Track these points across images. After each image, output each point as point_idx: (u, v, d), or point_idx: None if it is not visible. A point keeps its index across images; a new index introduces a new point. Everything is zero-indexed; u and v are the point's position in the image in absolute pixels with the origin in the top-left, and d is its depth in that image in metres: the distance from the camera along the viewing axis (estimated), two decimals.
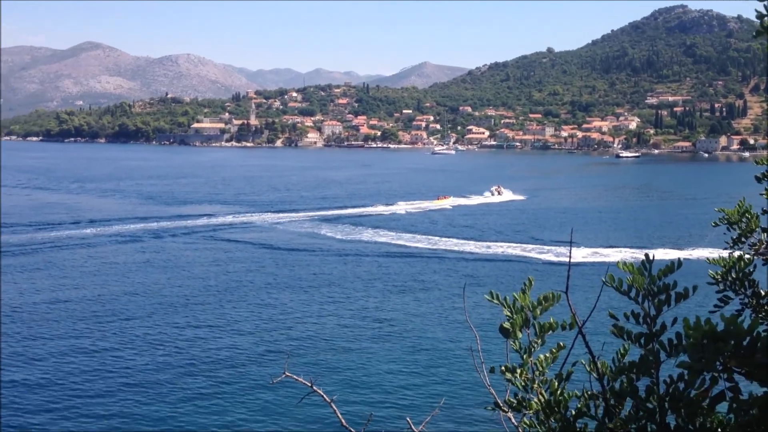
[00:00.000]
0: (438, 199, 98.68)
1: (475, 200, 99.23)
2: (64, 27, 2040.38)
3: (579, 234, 64.52)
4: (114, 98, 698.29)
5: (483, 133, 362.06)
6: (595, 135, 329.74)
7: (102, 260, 51.81)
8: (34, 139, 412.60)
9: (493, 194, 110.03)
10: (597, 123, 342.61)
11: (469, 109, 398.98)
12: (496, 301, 2.92)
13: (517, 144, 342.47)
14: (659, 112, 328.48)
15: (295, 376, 3.86)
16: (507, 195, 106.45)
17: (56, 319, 36.09)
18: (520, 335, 2.86)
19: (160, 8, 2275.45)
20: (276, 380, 4.19)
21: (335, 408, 3.51)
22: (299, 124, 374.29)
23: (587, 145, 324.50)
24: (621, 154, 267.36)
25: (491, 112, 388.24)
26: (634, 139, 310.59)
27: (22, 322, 35.28)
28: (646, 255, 2.50)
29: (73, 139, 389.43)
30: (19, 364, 29.43)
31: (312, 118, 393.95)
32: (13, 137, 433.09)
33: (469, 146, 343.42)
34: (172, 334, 33.64)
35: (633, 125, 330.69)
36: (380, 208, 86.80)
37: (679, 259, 2.43)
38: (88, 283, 44.02)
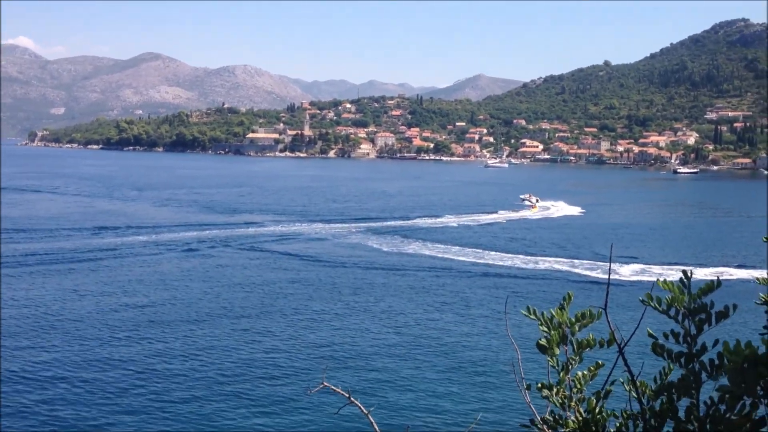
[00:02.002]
0: (530, 205, 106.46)
1: (526, 214, 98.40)
2: (126, 38, 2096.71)
3: (631, 250, 63.39)
4: (172, 108, 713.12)
5: (537, 146, 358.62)
6: (652, 150, 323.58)
7: (151, 268, 52.84)
8: (95, 147, 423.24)
9: (524, 202, 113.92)
10: (654, 138, 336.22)
11: (523, 122, 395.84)
12: (533, 316, 2.90)
13: (572, 158, 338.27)
14: (719, 127, 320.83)
15: (333, 387, 3.83)
16: (561, 208, 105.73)
17: (97, 325, 36.88)
18: (557, 352, 2.83)
19: (219, 20, 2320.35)
20: (314, 390, 4.12)
21: (372, 420, 3.51)
22: (352, 135, 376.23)
23: (644, 160, 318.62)
24: (678, 170, 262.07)
25: (545, 125, 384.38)
26: (693, 155, 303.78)
27: (66, 327, 36.14)
28: (684, 272, 2.47)
29: (131, 147, 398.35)
30: (64, 367, 30.12)
31: (365, 130, 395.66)
32: (74, 145, 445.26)
33: (523, 159, 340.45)
34: (212, 343, 34.08)
35: (691, 140, 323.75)
36: (430, 221, 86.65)
37: (718, 278, 2.42)
38: (136, 290, 44.92)
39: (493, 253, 62.40)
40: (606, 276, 52.05)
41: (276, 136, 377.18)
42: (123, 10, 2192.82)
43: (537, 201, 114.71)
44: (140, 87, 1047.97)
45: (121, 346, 33.05)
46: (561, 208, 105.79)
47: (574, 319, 2.85)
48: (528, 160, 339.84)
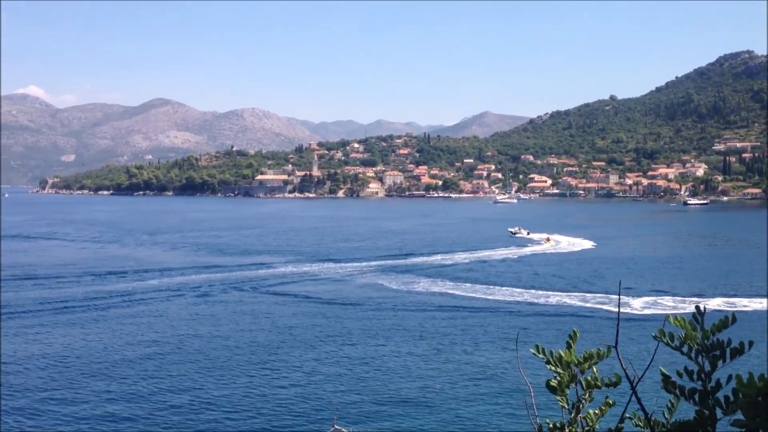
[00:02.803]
0: (546, 240, 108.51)
1: (536, 249, 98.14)
2: (135, 85, 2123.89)
3: (642, 283, 63.05)
4: (182, 152, 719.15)
5: (545, 181, 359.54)
6: (661, 182, 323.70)
7: (161, 312, 52.81)
8: (105, 192, 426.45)
9: (514, 234, 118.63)
10: (663, 170, 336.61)
11: (531, 158, 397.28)
12: (541, 355, 2.86)
13: (581, 192, 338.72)
14: (727, 158, 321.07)
15: (343, 430, 3.78)
16: (572, 242, 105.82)
17: (104, 371, 36.77)
18: (567, 392, 2.78)
19: (226, 65, 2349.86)
20: None
21: None
22: (361, 175, 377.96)
23: (653, 192, 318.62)
24: (689, 202, 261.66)
25: (553, 160, 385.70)
26: (702, 186, 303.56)
27: (72, 375, 36.06)
28: (697, 308, 2.44)
29: (142, 192, 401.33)
30: (69, 414, 30.01)
31: (373, 169, 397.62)
32: (85, 191, 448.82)
33: (532, 195, 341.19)
34: (221, 386, 33.88)
35: (700, 172, 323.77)
36: (440, 258, 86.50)
37: (733, 314, 2.39)
38: (145, 335, 44.85)
39: (503, 288, 62.14)
40: (615, 310, 51.77)
41: (285, 177, 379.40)
42: (131, 58, 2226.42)
43: (528, 233, 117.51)
44: (150, 132, 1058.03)
45: (128, 392, 32.89)
46: (572, 242, 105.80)
47: (582, 358, 2.82)
48: (537, 195, 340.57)
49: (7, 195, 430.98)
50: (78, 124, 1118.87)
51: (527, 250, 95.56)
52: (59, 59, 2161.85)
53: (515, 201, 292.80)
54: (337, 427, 3.82)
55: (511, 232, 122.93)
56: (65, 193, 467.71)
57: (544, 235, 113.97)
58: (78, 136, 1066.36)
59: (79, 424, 28.79)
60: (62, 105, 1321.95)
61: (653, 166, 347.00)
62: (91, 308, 53.33)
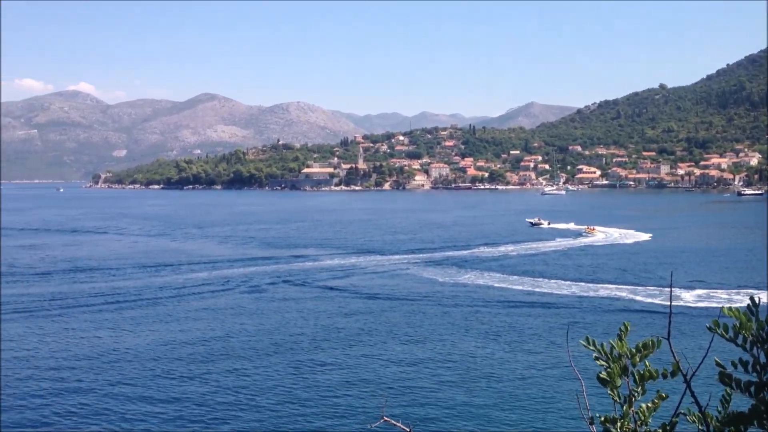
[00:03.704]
0: (588, 229, 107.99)
1: (586, 240, 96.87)
2: (183, 80, 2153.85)
3: (695, 275, 61.69)
4: (229, 146, 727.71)
5: (594, 172, 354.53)
6: (713, 172, 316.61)
7: (210, 304, 53.49)
8: (156, 187, 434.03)
9: (534, 225, 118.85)
10: (715, 160, 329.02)
11: (579, 149, 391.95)
12: (592, 347, 2.82)
13: (631, 183, 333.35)
14: None
15: (393, 421, 3.72)
16: (623, 233, 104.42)
17: (152, 361, 37.33)
18: (618, 384, 2.75)
19: (271, 59, 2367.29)
20: (374, 425, 4.03)
21: None
22: (406, 167, 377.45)
23: (706, 182, 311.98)
24: (743, 192, 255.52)
25: (602, 150, 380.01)
26: (756, 176, 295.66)
27: (121, 365, 36.70)
28: (752, 299, 2.37)
29: (191, 186, 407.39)
30: (118, 402, 30.55)
31: (419, 161, 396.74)
32: (136, 186, 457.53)
33: (580, 186, 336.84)
34: (268, 377, 34.13)
35: (754, 161, 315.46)
36: (487, 250, 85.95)
37: None
38: (192, 327, 45.45)
39: (551, 281, 61.47)
40: (667, 302, 50.75)
41: (330, 170, 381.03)
42: (179, 54, 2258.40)
43: (548, 224, 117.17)
44: (198, 127, 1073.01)
45: (175, 383, 33.37)
46: (624, 234, 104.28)
47: (634, 350, 2.77)
48: (586, 187, 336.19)
49: (61, 190, 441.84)
50: (128, 120, 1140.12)
51: (576, 242, 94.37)
52: (109, 56, 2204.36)
53: (563, 192, 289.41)
54: (386, 418, 3.79)
55: (531, 222, 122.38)
56: (117, 187, 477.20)
57: (582, 226, 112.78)
58: (128, 132, 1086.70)
59: (125, 416, 29.31)
60: (113, 101, 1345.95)
61: (705, 155, 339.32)
62: (142, 301, 54.29)
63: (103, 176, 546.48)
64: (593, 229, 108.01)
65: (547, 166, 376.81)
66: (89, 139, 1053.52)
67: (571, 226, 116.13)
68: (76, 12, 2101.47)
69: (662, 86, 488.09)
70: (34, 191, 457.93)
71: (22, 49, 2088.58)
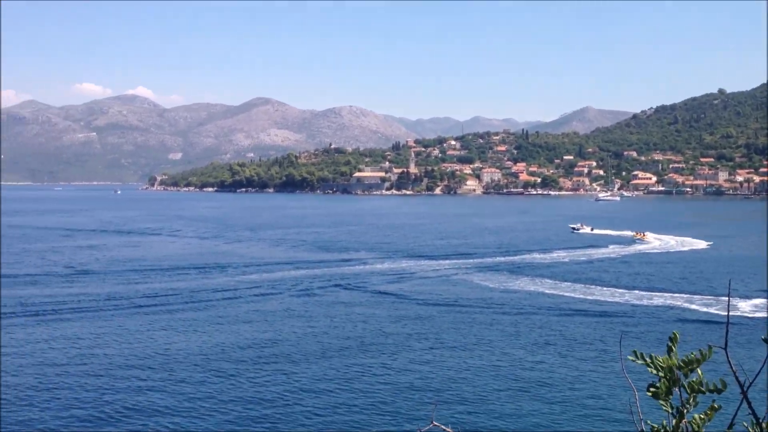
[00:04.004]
0: (637, 235, 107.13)
1: (641, 247, 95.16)
2: (237, 85, 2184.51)
3: (753, 284, 60.08)
4: (281, 150, 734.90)
5: (650, 178, 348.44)
6: None
7: (260, 306, 54.01)
8: (210, 189, 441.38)
9: (575, 230, 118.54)
10: None
11: (635, 154, 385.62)
12: (641, 360, 2.76)
13: (687, 189, 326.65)
14: None
15: (443, 426, 3.68)
16: (681, 241, 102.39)
17: (199, 363, 37.80)
18: (671, 396, 2.69)
19: (324, 64, 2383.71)
20: (423, 429, 3.99)
21: None
22: (458, 172, 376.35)
23: (765, 190, 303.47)
24: None
25: (658, 156, 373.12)
26: None
27: (170, 365, 37.27)
28: None
29: (244, 189, 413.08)
30: (168, 403, 31.03)
31: (471, 166, 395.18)
32: (191, 188, 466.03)
33: (635, 192, 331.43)
34: (316, 380, 34.24)
35: None
36: (539, 256, 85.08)
37: None
38: (241, 329, 45.91)
39: (604, 288, 60.52)
40: (723, 312, 49.47)
41: (382, 174, 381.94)
42: (233, 59, 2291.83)
43: (591, 230, 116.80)
44: (251, 131, 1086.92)
45: (223, 384, 33.74)
46: (681, 241, 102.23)
47: (686, 361, 2.72)
48: (641, 193, 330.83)
49: (119, 192, 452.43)
50: (184, 124, 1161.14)
51: (631, 250, 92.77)
52: (166, 61, 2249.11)
53: (618, 198, 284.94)
54: (436, 423, 3.71)
55: (573, 228, 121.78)
56: (172, 190, 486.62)
57: (629, 233, 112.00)
58: (184, 135, 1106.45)
59: (173, 416, 29.76)
60: (169, 105, 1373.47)
61: (765, 162, 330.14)
62: (194, 302, 55.09)
63: (158, 178, 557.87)
64: (643, 235, 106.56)
65: (601, 172, 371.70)
66: (146, 142, 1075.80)
67: (620, 232, 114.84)
68: (136, 18, 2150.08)
69: (721, 91, 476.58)
70: (93, 193, 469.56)
71: (83, 54, 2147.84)
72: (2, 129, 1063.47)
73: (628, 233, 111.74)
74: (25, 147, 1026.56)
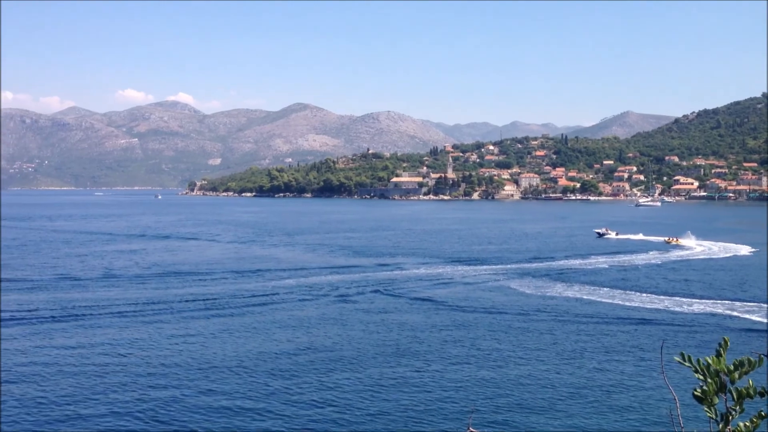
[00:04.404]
0: (669, 240, 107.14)
1: (679, 254, 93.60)
2: (276, 91, 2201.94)
3: None
4: (319, 155, 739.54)
5: (691, 183, 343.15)
6: None
7: (295, 311, 54.20)
8: (248, 194, 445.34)
9: (602, 236, 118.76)
10: None
11: (676, 159, 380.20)
12: (687, 363, 2.71)
13: (730, 195, 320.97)
14: None
15: None
16: (723, 247, 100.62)
17: (233, 369, 38.01)
18: (716, 402, 2.63)
19: (362, 69, 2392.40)
20: None
21: None
22: (496, 177, 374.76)
23: None
24: None
25: (700, 161, 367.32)
26: None
27: (204, 371, 37.54)
28: None
29: (282, 194, 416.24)
30: (198, 414, 31.26)
31: (508, 171, 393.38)
32: (230, 193, 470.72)
33: (676, 197, 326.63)
34: (351, 385, 34.23)
35: None
36: (577, 262, 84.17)
37: None
38: (275, 334, 46.12)
39: (643, 295, 59.61)
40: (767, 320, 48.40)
41: (419, 179, 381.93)
42: (272, 65, 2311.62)
43: (616, 234, 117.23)
44: (290, 136, 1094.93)
45: (258, 390, 33.88)
46: (724, 248, 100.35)
47: (732, 367, 2.64)
48: (682, 198, 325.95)
49: (160, 197, 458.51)
50: (224, 129, 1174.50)
51: (671, 255, 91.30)
52: (206, 68, 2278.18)
53: (659, 204, 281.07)
54: (473, 429, 3.63)
55: (598, 233, 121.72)
56: (211, 195, 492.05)
57: (660, 238, 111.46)
58: (224, 141, 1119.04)
59: (207, 422, 29.97)
60: (209, 111, 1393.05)
61: None
62: (230, 307, 55.47)
63: (198, 184, 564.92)
64: (676, 240, 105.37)
65: (641, 177, 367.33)
66: (186, 148, 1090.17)
67: (648, 237, 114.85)
68: (177, 25, 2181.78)
69: (765, 95, 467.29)
70: (135, 198, 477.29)
71: (126, 61, 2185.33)
72: (47, 135, 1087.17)
73: (659, 238, 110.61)
74: (69, 153, 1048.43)
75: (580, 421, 29.17)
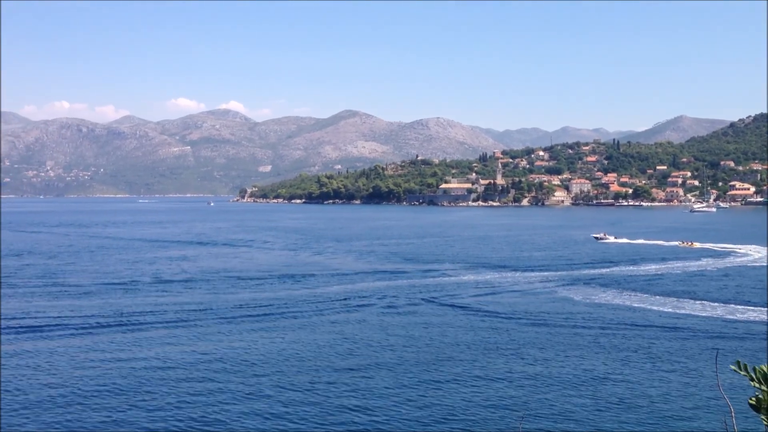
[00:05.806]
0: (683, 243, 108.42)
1: (734, 261, 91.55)
2: (326, 98, 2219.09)
3: None
4: (369, 162, 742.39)
5: (748, 188, 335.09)
6: None
7: (339, 317, 54.58)
8: (298, 201, 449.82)
9: (599, 240, 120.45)
10: None
11: (732, 164, 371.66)
12: (743, 372, 2.64)
13: None
14: None
15: None
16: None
17: (272, 373, 38.46)
18: None
19: (412, 76, 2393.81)
20: None
21: None
22: (546, 183, 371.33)
23: None
24: None
25: (757, 166, 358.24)
26: None
27: (251, 375, 38.08)
28: None
29: (331, 200, 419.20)
30: (241, 416, 31.74)
31: (559, 177, 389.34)
32: (280, 200, 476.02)
33: (732, 203, 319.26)
34: (391, 393, 34.32)
35: None
36: (628, 269, 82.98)
37: None
38: (319, 337, 46.48)
39: (696, 302, 58.44)
40: None
41: (469, 185, 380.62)
42: (321, 72, 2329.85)
43: (614, 238, 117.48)
44: (339, 143, 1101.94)
45: (298, 395, 34.16)
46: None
47: None
48: (738, 204, 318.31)
49: (212, 204, 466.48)
50: (274, 137, 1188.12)
51: (726, 262, 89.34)
52: (257, 76, 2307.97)
53: (714, 210, 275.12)
54: None
55: (596, 237, 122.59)
56: (262, 201, 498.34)
57: (675, 242, 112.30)
58: (274, 148, 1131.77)
59: (258, 420, 30.43)
60: (260, 119, 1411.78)
61: None
62: (278, 313, 56.13)
63: (249, 191, 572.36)
64: (691, 244, 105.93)
65: (696, 182, 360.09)
66: (237, 155, 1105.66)
67: (661, 242, 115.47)
68: (228, 36, 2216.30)
69: None
70: (188, 204, 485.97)
71: (178, 70, 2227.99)
72: (103, 144, 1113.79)
73: (674, 243, 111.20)
74: (124, 160, 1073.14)
75: (635, 428, 28.86)
